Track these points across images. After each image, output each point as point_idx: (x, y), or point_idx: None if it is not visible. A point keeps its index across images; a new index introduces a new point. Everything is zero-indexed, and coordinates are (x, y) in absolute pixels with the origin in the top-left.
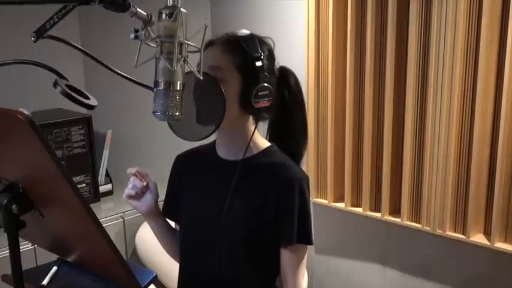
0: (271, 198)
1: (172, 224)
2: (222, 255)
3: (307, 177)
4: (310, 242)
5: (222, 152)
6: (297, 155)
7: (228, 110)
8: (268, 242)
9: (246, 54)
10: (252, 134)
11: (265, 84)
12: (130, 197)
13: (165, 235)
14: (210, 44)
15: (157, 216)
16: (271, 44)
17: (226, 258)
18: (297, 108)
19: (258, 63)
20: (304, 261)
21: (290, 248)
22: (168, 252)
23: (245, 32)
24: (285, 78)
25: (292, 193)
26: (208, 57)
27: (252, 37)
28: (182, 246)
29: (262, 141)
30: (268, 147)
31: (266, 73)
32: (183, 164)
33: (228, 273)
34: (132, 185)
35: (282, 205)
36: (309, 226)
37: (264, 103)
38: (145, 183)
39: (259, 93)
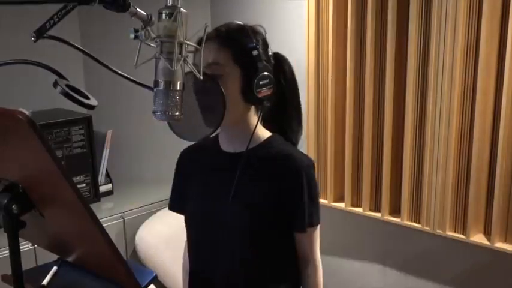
0: (278, 187)
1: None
2: (227, 248)
3: (313, 163)
4: (318, 222)
5: (225, 146)
6: (291, 142)
7: (233, 106)
8: (274, 230)
9: (241, 45)
10: (256, 125)
11: (265, 73)
12: None
13: None
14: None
15: None
16: (263, 31)
17: (233, 250)
18: (292, 94)
19: (254, 53)
20: (318, 236)
21: (303, 233)
22: None
23: (236, 23)
24: (281, 65)
25: (300, 182)
26: (205, 55)
27: (244, 28)
28: (189, 241)
29: (264, 132)
30: (270, 137)
31: (263, 61)
32: (187, 159)
33: (235, 264)
34: None
35: (291, 194)
36: (318, 209)
37: (266, 92)
38: None
39: (260, 83)
